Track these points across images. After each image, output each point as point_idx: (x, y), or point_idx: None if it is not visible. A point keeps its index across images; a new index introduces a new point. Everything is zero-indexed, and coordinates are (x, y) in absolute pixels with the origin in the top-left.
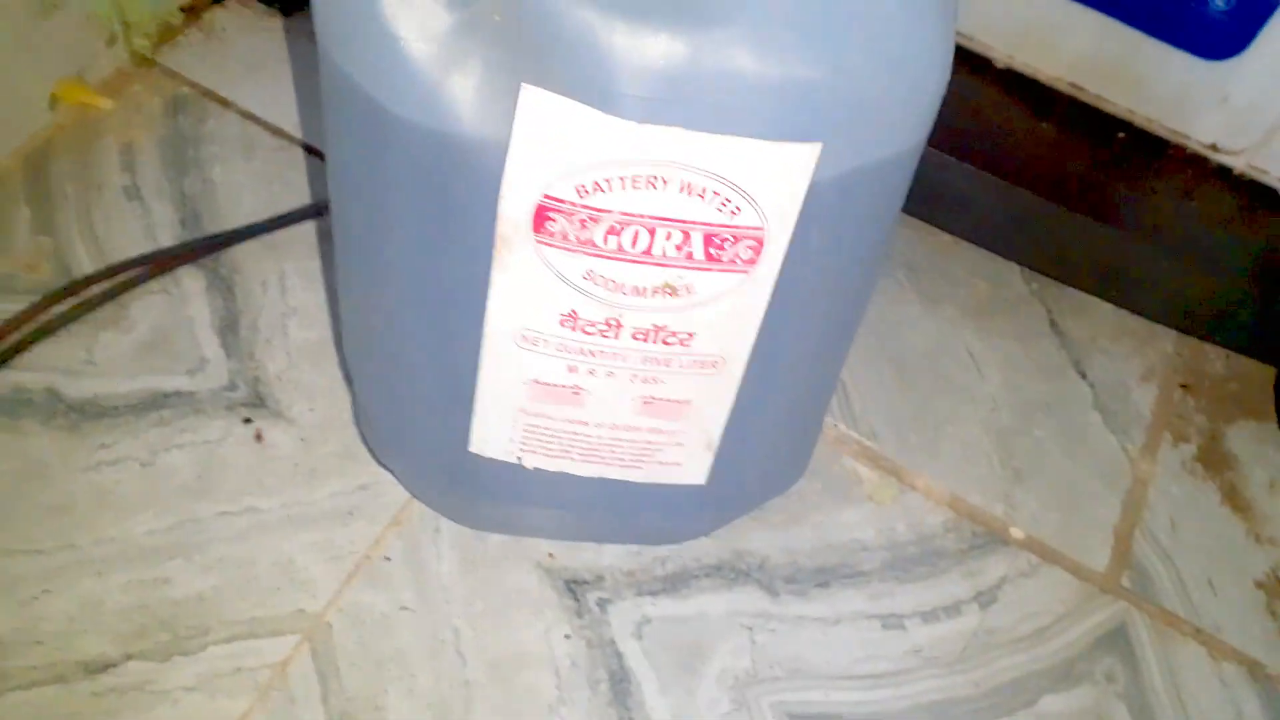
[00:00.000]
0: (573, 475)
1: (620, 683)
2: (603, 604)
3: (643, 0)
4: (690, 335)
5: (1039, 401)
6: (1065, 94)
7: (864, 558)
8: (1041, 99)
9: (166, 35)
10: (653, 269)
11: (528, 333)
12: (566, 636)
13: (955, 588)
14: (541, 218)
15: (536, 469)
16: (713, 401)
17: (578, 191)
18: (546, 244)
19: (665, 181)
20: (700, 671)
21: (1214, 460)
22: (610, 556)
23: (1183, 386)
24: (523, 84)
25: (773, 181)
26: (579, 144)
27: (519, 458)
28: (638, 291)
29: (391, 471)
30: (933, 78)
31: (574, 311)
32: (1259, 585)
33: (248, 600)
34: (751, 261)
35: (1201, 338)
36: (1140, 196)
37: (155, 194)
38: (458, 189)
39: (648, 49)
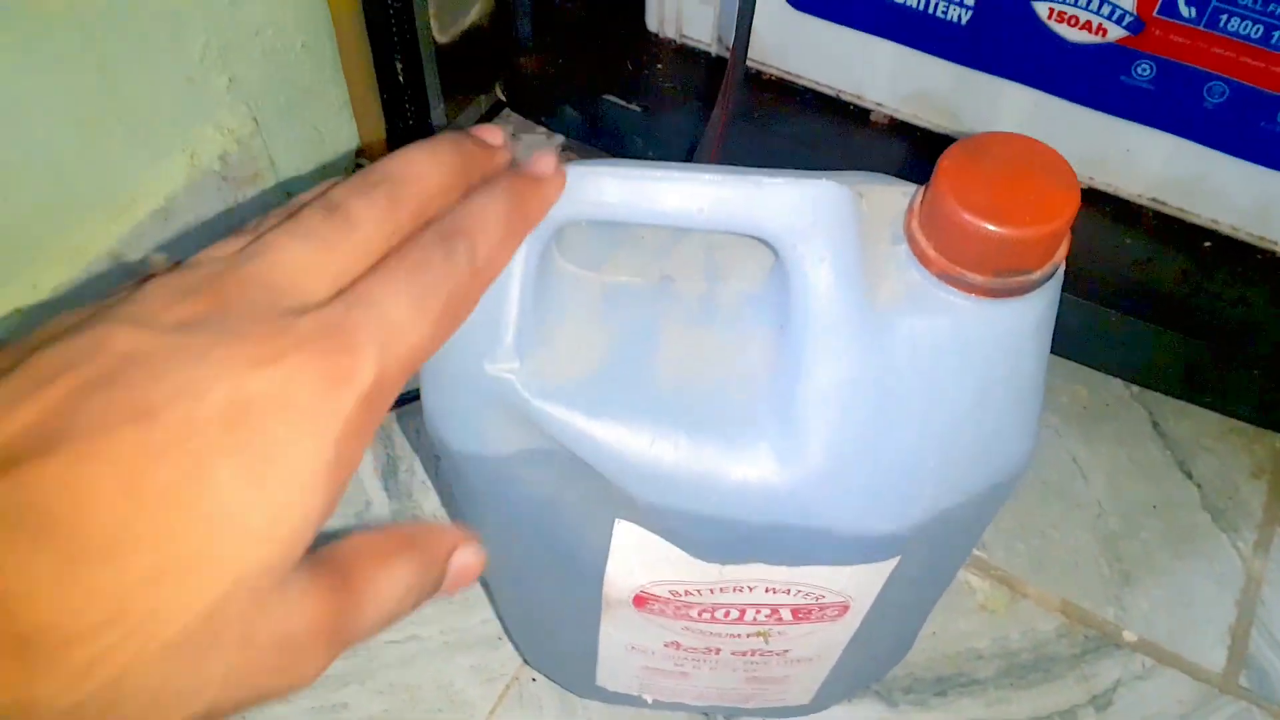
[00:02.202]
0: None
1: None
2: None
3: (720, 467)
4: (786, 651)
5: (1145, 504)
6: (1148, 208)
7: (979, 666)
8: (1124, 215)
9: None
10: (745, 626)
11: (636, 644)
12: None
13: (1071, 693)
14: (640, 600)
15: (657, 701)
16: (814, 670)
17: (670, 593)
18: (647, 613)
19: (750, 589)
20: None
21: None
22: None
23: (1252, 477)
24: (616, 519)
25: (855, 575)
26: (667, 566)
27: (639, 694)
28: (733, 637)
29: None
30: (1023, 450)
31: (676, 642)
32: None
33: None
34: (841, 615)
35: None
36: (1229, 304)
37: None
38: (568, 560)
39: (729, 522)
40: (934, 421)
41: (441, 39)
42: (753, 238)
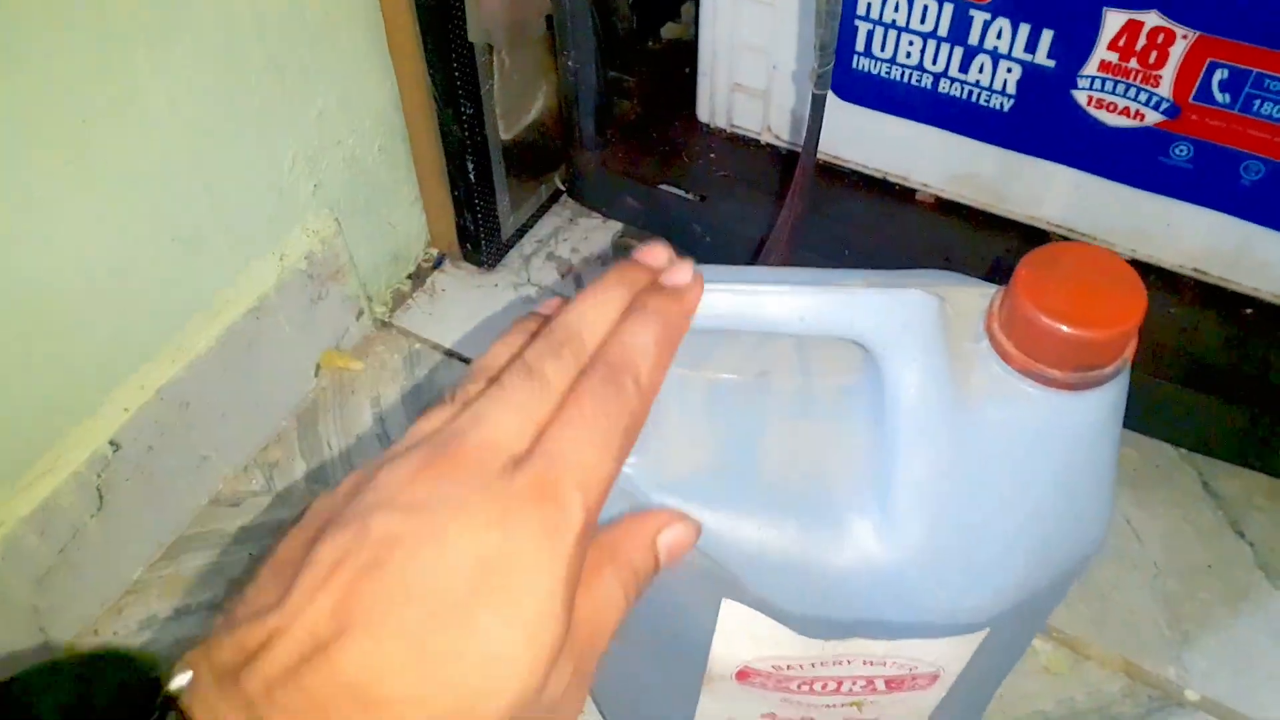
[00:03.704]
0: None
1: None
2: None
3: (820, 557)
4: (876, 718)
5: (1200, 564)
6: (1190, 278)
7: None
8: (1168, 284)
9: (399, 300)
10: (841, 697)
11: (733, 715)
12: None
13: None
14: (743, 675)
15: None
16: None
17: (772, 667)
18: (748, 685)
19: (849, 662)
20: None
21: None
22: None
23: None
24: (724, 599)
25: (947, 646)
26: (771, 642)
27: None
28: (829, 708)
29: None
30: (1100, 528)
31: (773, 714)
32: None
33: None
34: (930, 684)
35: None
36: (1271, 369)
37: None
38: (673, 638)
39: (834, 603)
40: (1021, 505)
41: (506, 136)
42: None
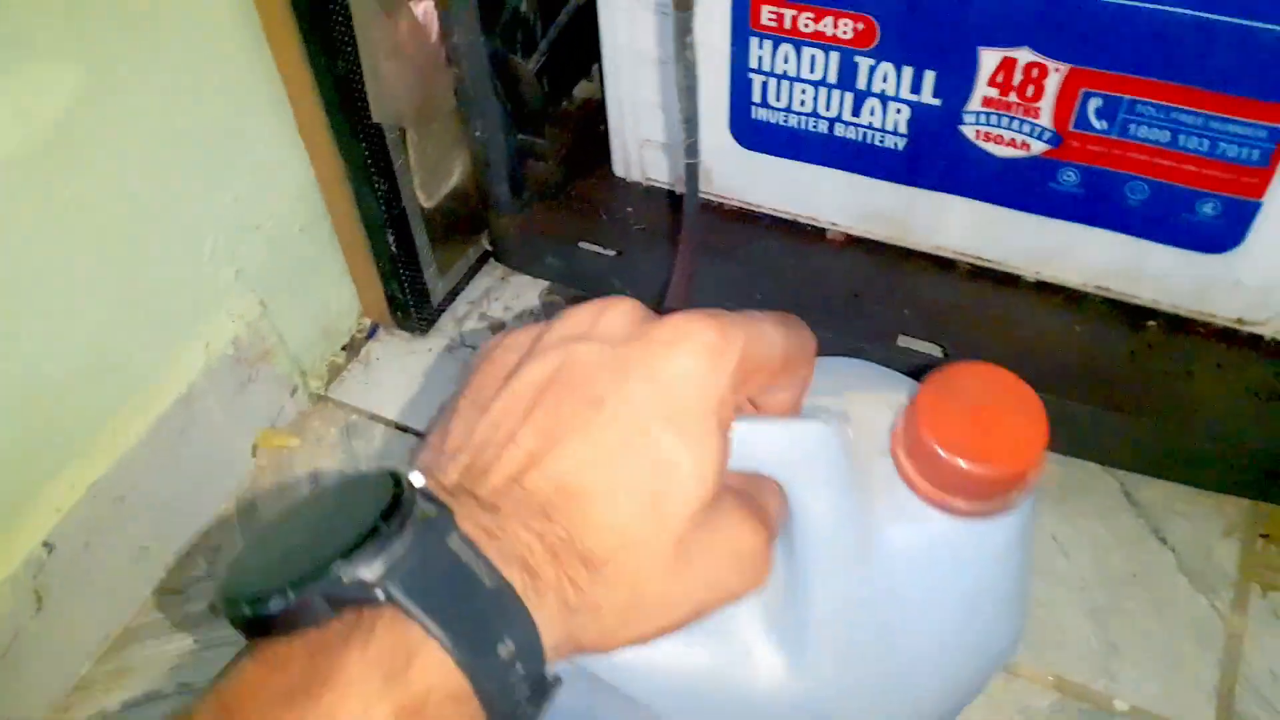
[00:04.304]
0: None
1: None
2: None
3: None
4: None
5: (1125, 574)
6: (1094, 295)
7: None
8: (1072, 302)
9: (335, 373)
10: None
11: None
12: None
13: None
14: None
15: None
16: None
17: None
18: None
19: None
20: None
21: None
22: None
23: (1263, 536)
24: None
25: None
26: None
27: None
28: None
29: None
30: (1014, 636)
31: None
32: None
33: None
34: None
35: (1261, 499)
36: (1177, 379)
37: None
38: None
39: None
40: (933, 628)
41: (428, 205)
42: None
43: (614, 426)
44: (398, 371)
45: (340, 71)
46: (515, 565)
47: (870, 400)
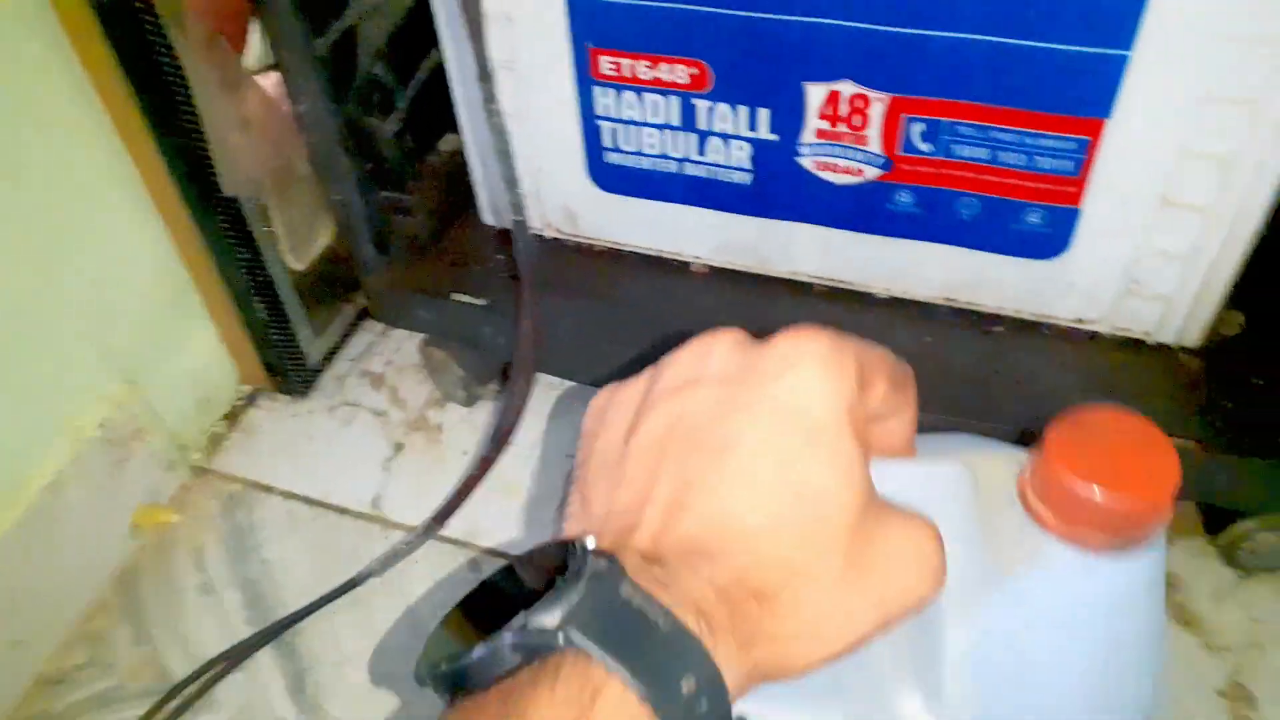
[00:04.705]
0: None
1: None
2: None
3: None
4: None
5: None
6: (943, 305)
7: None
8: (923, 314)
9: (216, 443)
10: None
11: None
12: None
13: None
14: None
15: None
16: None
17: None
18: None
19: None
20: None
21: None
22: None
23: None
24: None
25: None
26: None
27: None
28: None
29: None
30: (1149, 691)
31: None
32: (1220, 694)
33: None
34: None
35: None
36: (1024, 379)
37: (225, 584)
38: None
39: None
40: (1069, 670)
41: (299, 268)
42: None
43: (754, 461)
44: (279, 436)
45: (187, 147)
46: (689, 609)
47: (988, 457)
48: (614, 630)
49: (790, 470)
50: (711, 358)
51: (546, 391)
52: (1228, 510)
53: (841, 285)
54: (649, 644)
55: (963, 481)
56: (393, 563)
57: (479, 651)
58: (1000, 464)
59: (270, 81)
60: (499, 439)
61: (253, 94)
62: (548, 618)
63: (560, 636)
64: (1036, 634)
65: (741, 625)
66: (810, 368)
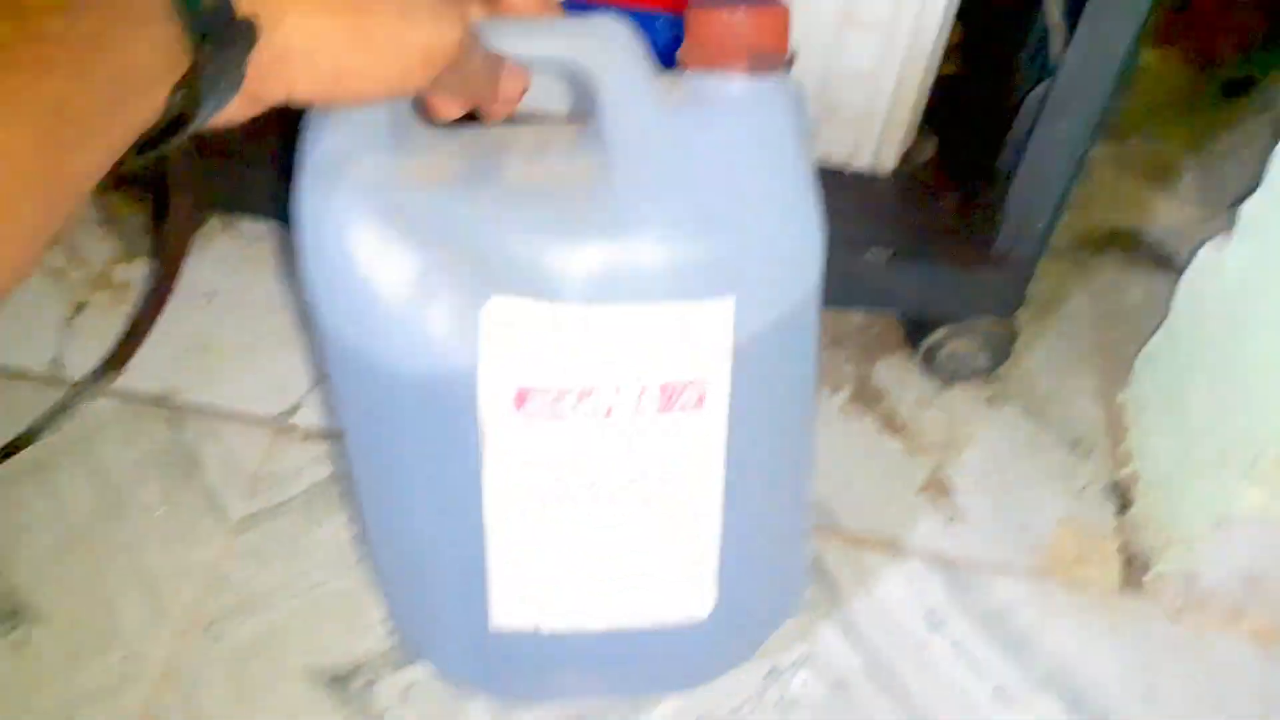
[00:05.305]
0: (589, 634)
1: None
2: None
3: (570, 224)
4: (665, 471)
5: None
6: None
7: None
8: None
9: None
10: (621, 424)
11: (523, 498)
12: None
13: None
14: (520, 398)
15: (553, 632)
16: (700, 532)
17: (544, 372)
18: (527, 417)
19: (614, 349)
20: None
21: (867, 397)
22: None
23: (829, 346)
24: (491, 295)
25: (703, 334)
26: (538, 332)
27: (536, 626)
28: (612, 445)
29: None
30: (808, 244)
31: (560, 474)
32: (923, 489)
33: None
34: (700, 402)
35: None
36: None
37: None
38: (445, 394)
39: (579, 257)
40: (729, 182)
41: None
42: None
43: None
44: None
45: None
46: None
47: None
48: None
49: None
50: None
51: (245, 247)
52: (925, 323)
53: None
54: None
55: (623, 29)
56: (63, 416)
57: None
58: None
59: None
60: (168, 262)
61: None
62: None
63: None
64: (700, 154)
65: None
66: None
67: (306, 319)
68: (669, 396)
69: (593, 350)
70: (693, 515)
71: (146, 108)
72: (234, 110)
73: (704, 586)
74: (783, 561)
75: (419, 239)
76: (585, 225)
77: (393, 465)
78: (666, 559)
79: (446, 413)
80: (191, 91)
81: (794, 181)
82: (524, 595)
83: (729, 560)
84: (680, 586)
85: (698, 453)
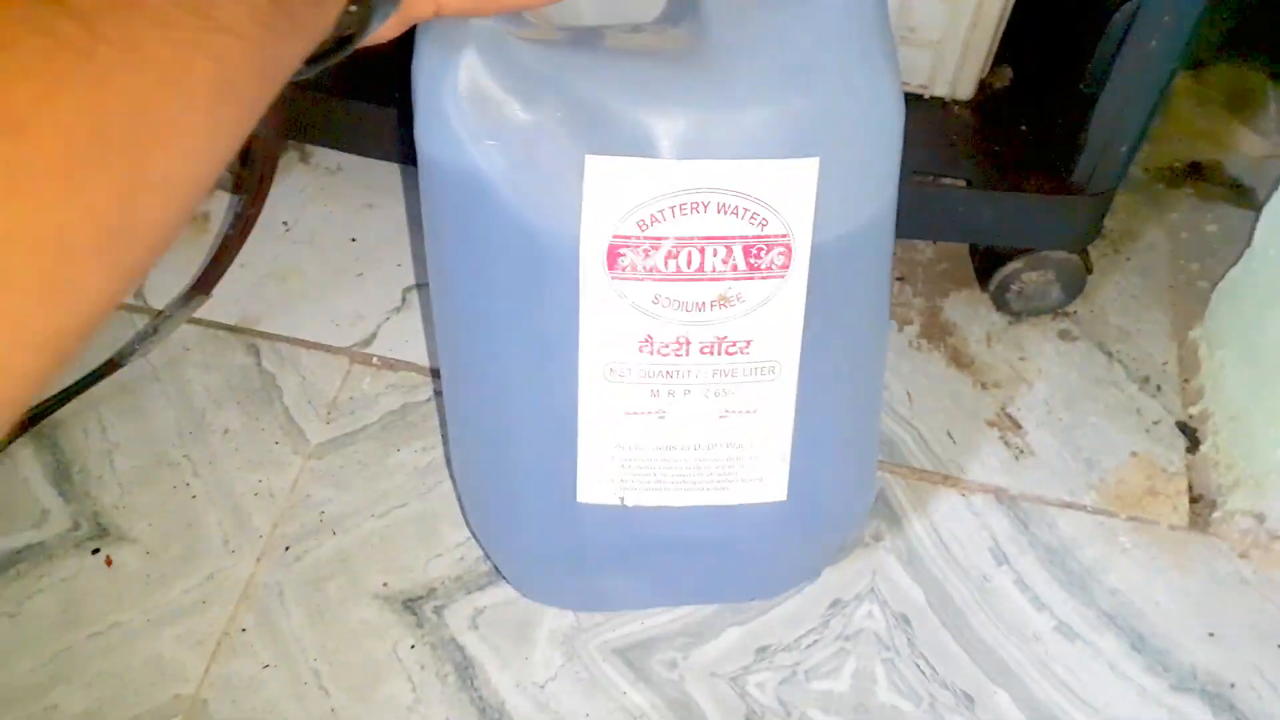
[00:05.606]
0: (670, 512)
1: (464, 669)
2: (438, 610)
3: (665, 84)
4: (748, 343)
5: None
6: None
7: None
8: None
9: None
10: (707, 284)
11: (615, 365)
12: (412, 647)
13: None
14: (613, 255)
15: (637, 506)
16: (777, 410)
17: (639, 225)
18: (620, 278)
19: (705, 206)
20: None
21: (935, 332)
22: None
23: (899, 279)
24: (586, 155)
25: (788, 193)
26: (633, 188)
27: (621, 497)
28: (698, 307)
29: (502, 575)
30: (890, 109)
31: (649, 336)
32: (991, 424)
33: (128, 701)
34: (785, 267)
35: None
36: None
37: None
38: (544, 248)
39: (673, 116)
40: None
41: None
42: None
43: None
44: None
45: None
46: None
47: None
48: None
49: None
50: None
51: (321, 177)
52: (998, 256)
53: None
54: None
55: None
56: (151, 341)
57: None
58: None
59: None
60: (254, 190)
61: None
62: None
63: None
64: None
65: None
66: None
67: (385, 244)
68: (756, 255)
69: (684, 204)
70: (773, 385)
71: (327, 18)
72: (386, 29)
73: (780, 466)
74: (853, 461)
75: (528, 94)
76: (679, 86)
77: (484, 315)
78: (747, 432)
79: (545, 269)
80: (363, 9)
81: (877, 51)
82: (610, 463)
83: (802, 444)
84: (759, 464)
85: (781, 318)
